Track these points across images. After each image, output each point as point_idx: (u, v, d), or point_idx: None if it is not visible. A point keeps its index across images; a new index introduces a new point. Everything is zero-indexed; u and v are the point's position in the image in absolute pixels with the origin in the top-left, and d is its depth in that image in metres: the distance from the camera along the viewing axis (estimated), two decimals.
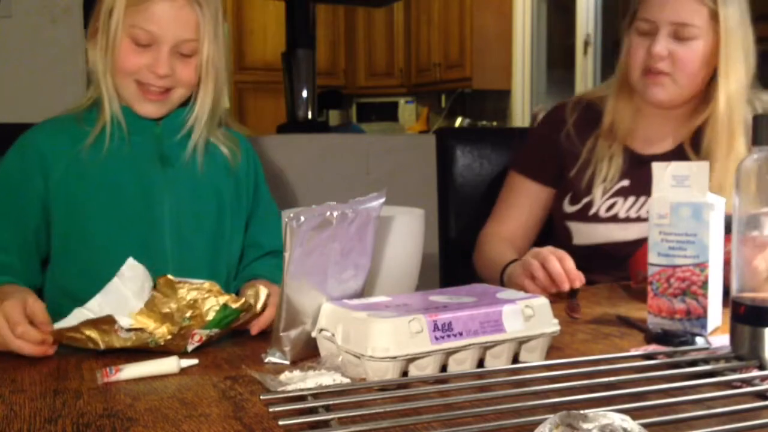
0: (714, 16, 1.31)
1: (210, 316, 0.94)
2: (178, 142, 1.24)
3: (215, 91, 1.23)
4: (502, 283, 1.30)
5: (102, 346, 0.90)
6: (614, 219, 1.42)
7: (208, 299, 0.94)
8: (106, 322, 0.90)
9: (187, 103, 1.24)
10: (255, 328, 1.01)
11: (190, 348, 0.94)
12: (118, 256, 1.02)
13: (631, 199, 1.42)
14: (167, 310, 0.92)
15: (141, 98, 1.19)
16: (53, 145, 1.19)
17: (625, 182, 1.43)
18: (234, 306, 0.95)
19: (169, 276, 0.94)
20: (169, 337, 0.91)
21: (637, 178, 1.41)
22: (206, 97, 1.23)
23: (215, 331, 0.95)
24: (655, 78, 1.35)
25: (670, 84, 1.35)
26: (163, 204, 1.21)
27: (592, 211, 1.44)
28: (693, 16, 1.31)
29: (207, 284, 0.95)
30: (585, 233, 1.45)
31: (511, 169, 1.56)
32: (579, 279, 1.16)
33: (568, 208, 1.47)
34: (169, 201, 1.21)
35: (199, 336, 0.94)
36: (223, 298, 0.95)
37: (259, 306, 0.99)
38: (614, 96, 1.45)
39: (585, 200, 1.44)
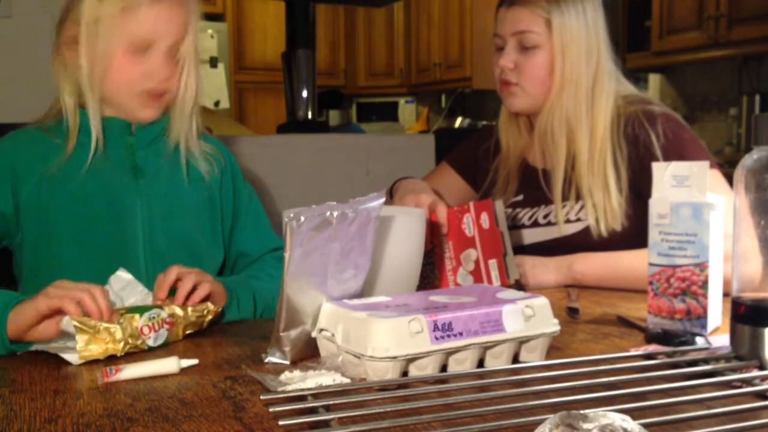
0: (549, 26, 1.36)
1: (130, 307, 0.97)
2: (152, 152, 1.20)
3: (197, 84, 1.18)
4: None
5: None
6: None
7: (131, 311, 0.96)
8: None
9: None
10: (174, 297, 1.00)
11: (150, 343, 0.94)
12: (90, 277, 0.98)
13: (526, 210, 1.47)
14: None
15: (143, 105, 1.15)
16: (24, 159, 1.15)
17: (520, 197, 1.49)
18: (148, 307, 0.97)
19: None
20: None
21: (531, 191, 1.47)
22: (186, 93, 1.18)
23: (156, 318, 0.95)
24: (507, 88, 1.43)
25: (520, 93, 1.42)
26: (136, 218, 1.16)
27: None
28: (531, 24, 1.37)
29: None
30: None
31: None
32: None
33: None
34: (142, 214, 1.17)
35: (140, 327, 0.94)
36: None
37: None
38: (504, 119, 1.52)
39: None
